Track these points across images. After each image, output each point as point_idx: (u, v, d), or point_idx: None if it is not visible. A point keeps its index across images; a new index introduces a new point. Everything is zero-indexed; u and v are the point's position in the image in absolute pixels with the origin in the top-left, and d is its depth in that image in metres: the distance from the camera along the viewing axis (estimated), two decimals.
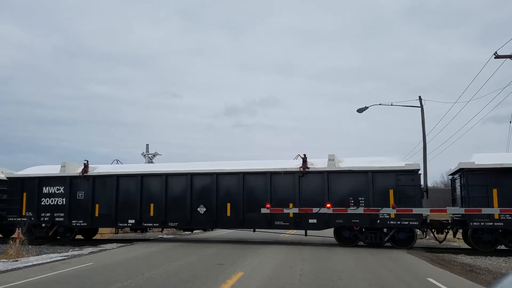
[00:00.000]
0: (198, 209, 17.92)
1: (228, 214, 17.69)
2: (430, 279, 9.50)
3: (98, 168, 19.78)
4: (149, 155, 39.89)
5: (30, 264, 12.02)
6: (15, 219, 19.59)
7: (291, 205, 16.96)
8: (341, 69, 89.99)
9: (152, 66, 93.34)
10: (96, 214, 18.97)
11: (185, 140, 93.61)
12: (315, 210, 16.70)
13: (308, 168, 17.08)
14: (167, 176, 18.46)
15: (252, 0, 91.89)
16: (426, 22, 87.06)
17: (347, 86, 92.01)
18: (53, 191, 19.51)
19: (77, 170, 19.49)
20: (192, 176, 18.23)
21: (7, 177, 20.25)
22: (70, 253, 14.89)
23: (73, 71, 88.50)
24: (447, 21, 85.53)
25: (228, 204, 17.70)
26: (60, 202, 19.33)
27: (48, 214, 19.37)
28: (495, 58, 17.63)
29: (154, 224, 18.69)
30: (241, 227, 18.17)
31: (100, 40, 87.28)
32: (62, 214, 19.19)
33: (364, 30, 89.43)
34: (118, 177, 19.02)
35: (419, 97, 24.69)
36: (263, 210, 17.15)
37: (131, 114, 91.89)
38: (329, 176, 16.84)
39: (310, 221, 16.84)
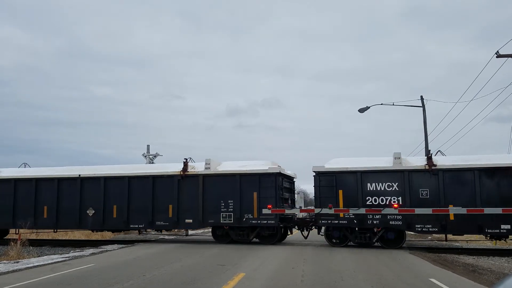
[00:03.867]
0: None
1: None
2: (432, 280, 9.45)
3: (439, 161, 16.07)
4: (150, 156, 39.88)
5: (31, 265, 11.99)
6: (330, 221, 16.40)
7: None
8: (341, 70, 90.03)
9: (154, 68, 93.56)
10: (452, 218, 15.13)
11: (188, 141, 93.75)
12: None
13: None
14: None
15: (252, 2, 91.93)
16: (426, 23, 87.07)
17: (347, 87, 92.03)
18: (382, 188, 16.04)
19: (414, 163, 16.29)
20: None
21: (315, 171, 16.92)
22: (71, 254, 14.86)
23: (75, 73, 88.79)
24: (447, 22, 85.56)
25: None
26: (393, 201, 15.84)
27: (377, 217, 15.85)
28: (496, 57, 17.59)
29: None
30: None
31: (102, 42, 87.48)
32: (399, 217, 15.66)
33: (364, 32, 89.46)
34: (481, 171, 15.16)
35: (421, 96, 24.67)
36: None
37: (133, 115, 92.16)
38: None
39: None
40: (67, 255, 14.63)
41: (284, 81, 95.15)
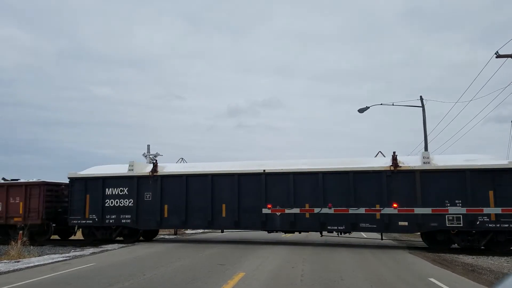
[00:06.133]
0: None
1: None
2: (431, 279, 9.48)
3: None
4: (150, 156, 39.92)
5: (32, 265, 12.02)
6: None
7: None
8: (341, 70, 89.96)
9: (154, 68, 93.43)
10: None
11: (188, 141, 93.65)
12: None
13: None
14: None
15: (252, 3, 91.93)
16: (425, 23, 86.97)
17: (347, 87, 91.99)
18: None
19: None
20: None
21: None
22: (72, 253, 14.89)
23: (76, 74, 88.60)
24: (446, 23, 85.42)
25: None
26: None
27: None
28: (496, 57, 17.60)
29: None
30: None
31: (103, 42, 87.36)
32: None
33: (363, 32, 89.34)
34: None
35: (420, 96, 24.69)
36: None
37: (133, 116, 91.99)
38: None
39: None
40: (67, 254, 14.66)
41: (284, 81, 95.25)
